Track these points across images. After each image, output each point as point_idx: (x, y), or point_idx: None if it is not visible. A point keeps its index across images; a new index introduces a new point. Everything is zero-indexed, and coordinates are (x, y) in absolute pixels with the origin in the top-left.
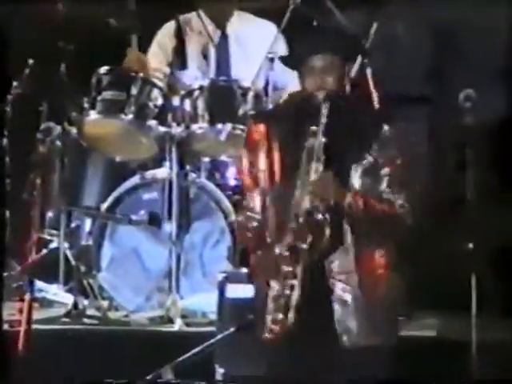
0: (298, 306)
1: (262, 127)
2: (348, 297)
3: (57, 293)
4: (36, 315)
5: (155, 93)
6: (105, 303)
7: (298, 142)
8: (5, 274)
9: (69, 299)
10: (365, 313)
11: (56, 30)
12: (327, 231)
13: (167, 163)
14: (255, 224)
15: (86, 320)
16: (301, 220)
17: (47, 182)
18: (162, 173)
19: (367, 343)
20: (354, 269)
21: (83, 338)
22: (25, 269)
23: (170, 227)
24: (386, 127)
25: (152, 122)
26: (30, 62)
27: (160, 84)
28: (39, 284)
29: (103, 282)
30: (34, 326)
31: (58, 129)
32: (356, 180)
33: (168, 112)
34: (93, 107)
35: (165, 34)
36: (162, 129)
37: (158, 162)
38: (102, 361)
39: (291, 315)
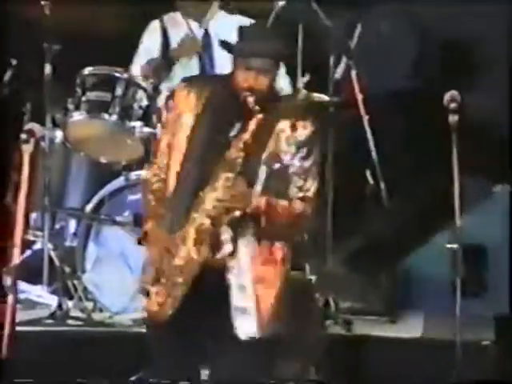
0: (178, 296)
1: (191, 94)
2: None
3: (41, 294)
4: (20, 317)
5: (140, 93)
6: (90, 305)
7: (217, 137)
8: None
9: (53, 300)
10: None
11: (41, 31)
12: (227, 246)
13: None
14: (159, 184)
15: (70, 321)
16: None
17: (31, 183)
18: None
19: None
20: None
21: (67, 339)
22: (8, 270)
23: None
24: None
25: (137, 123)
26: (14, 62)
27: (144, 85)
28: (23, 285)
29: (88, 284)
30: (18, 328)
31: (41, 130)
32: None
33: (153, 113)
34: (77, 108)
35: (149, 34)
36: (147, 130)
37: (142, 163)
38: (85, 362)
39: (170, 302)
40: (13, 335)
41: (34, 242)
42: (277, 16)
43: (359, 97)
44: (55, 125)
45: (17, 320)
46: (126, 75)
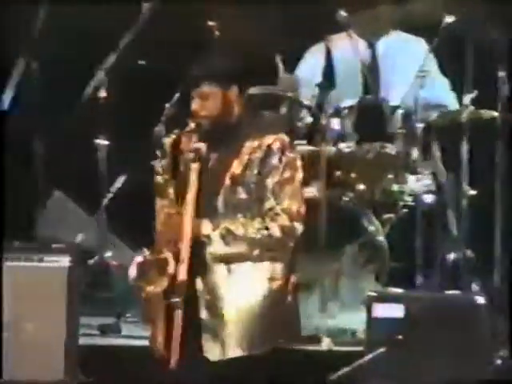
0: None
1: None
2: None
3: None
4: None
5: (304, 112)
6: None
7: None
8: None
9: None
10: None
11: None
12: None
13: (315, 182)
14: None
15: None
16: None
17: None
18: (309, 192)
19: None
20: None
21: None
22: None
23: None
24: None
25: (301, 142)
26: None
27: (308, 103)
28: None
29: None
30: None
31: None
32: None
33: (316, 131)
34: None
35: (313, 54)
36: (311, 148)
37: (306, 181)
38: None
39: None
40: (182, 350)
41: None
42: (444, 31)
43: None
44: None
45: None
46: (290, 94)
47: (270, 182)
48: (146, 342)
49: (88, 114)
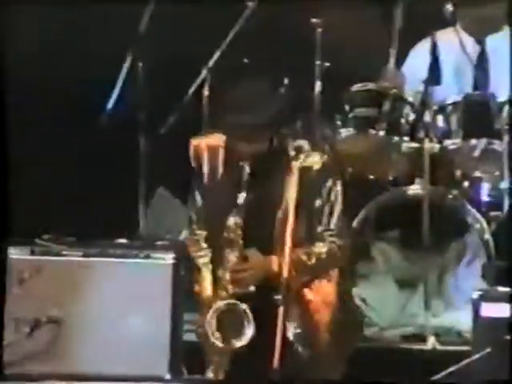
0: None
1: None
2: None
3: None
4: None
5: (407, 109)
6: None
7: None
8: None
9: None
10: None
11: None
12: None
13: (419, 180)
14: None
15: None
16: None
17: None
18: (413, 189)
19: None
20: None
21: None
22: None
23: (422, 243)
24: None
25: (404, 138)
26: (286, 80)
27: (412, 100)
28: None
29: (355, 299)
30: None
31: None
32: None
33: (420, 128)
34: (345, 124)
35: (419, 50)
36: (414, 145)
37: (409, 179)
38: (352, 376)
39: None
40: (284, 348)
41: None
42: None
43: None
44: (323, 141)
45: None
46: (393, 91)
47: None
48: None
49: (191, 111)
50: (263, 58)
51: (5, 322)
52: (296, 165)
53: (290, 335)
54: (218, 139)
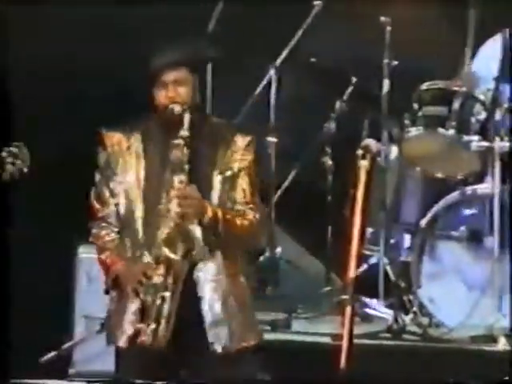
0: (169, 316)
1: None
2: (217, 303)
3: (377, 308)
4: (356, 330)
5: (477, 107)
6: (425, 320)
7: (163, 154)
8: (327, 288)
9: (389, 315)
10: (234, 317)
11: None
12: (199, 241)
13: (489, 178)
14: (113, 235)
15: (406, 336)
16: (170, 230)
17: (367, 199)
18: (483, 188)
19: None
20: (222, 274)
21: (403, 354)
22: (346, 284)
23: (491, 243)
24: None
25: (474, 137)
26: (354, 79)
27: (483, 98)
28: (361, 299)
29: (423, 299)
30: (355, 341)
31: (377, 145)
32: (216, 191)
33: (491, 126)
34: (414, 123)
35: (489, 47)
36: (485, 144)
37: (479, 178)
38: (420, 377)
39: (163, 325)
40: (351, 347)
41: (369, 257)
42: None
43: None
44: (391, 140)
45: (354, 332)
46: (463, 89)
47: None
48: (316, 338)
49: (258, 111)
50: (330, 58)
51: (75, 319)
52: (363, 164)
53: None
54: None
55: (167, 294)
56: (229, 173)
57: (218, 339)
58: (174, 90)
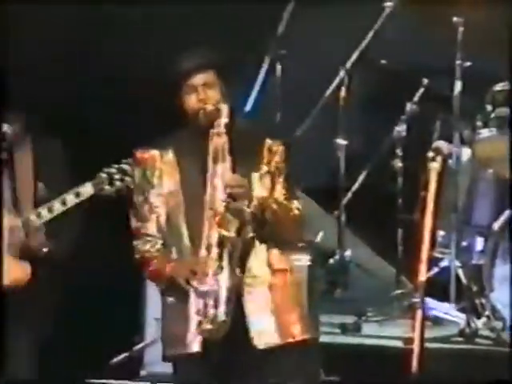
0: (228, 299)
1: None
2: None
3: (448, 312)
4: (428, 333)
5: None
6: (498, 324)
7: (198, 157)
8: (397, 291)
9: (460, 318)
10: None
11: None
12: (249, 225)
13: None
14: (158, 246)
15: (478, 340)
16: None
17: (438, 201)
18: None
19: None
20: (267, 269)
21: (476, 358)
22: (417, 287)
23: None
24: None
25: None
26: (425, 81)
27: None
28: (431, 302)
29: (496, 302)
30: (426, 344)
31: (449, 147)
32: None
33: None
34: (486, 125)
35: None
36: None
37: None
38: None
39: (222, 308)
40: (422, 351)
41: (441, 260)
42: None
43: None
44: (463, 142)
45: (425, 336)
46: None
47: None
48: (386, 342)
49: (328, 113)
50: (400, 59)
51: (146, 321)
52: (434, 166)
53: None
54: None
55: (225, 277)
56: (265, 173)
57: (262, 333)
58: (204, 93)
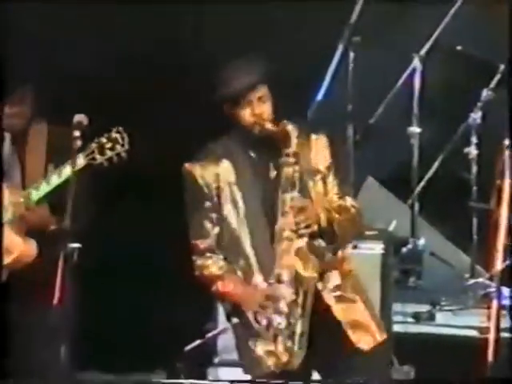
0: (303, 333)
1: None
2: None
3: None
4: (504, 323)
5: None
6: None
7: (256, 173)
8: (472, 280)
9: None
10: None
11: None
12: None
13: None
14: (221, 263)
15: None
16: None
17: None
18: None
19: None
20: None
21: None
22: (493, 276)
23: None
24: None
25: None
26: (502, 66)
27: None
28: (506, 291)
29: None
30: (502, 334)
31: None
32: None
33: None
34: None
35: None
36: None
37: None
38: None
39: (297, 343)
40: (498, 341)
41: None
42: None
43: None
44: None
45: (501, 326)
46: None
47: None
48: (461, 331)
49: (402, 100)
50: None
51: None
52: (510, 154)
53: None
54: None
55: (299, 311)
56: (318, 176)
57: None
58: (260, 107)
